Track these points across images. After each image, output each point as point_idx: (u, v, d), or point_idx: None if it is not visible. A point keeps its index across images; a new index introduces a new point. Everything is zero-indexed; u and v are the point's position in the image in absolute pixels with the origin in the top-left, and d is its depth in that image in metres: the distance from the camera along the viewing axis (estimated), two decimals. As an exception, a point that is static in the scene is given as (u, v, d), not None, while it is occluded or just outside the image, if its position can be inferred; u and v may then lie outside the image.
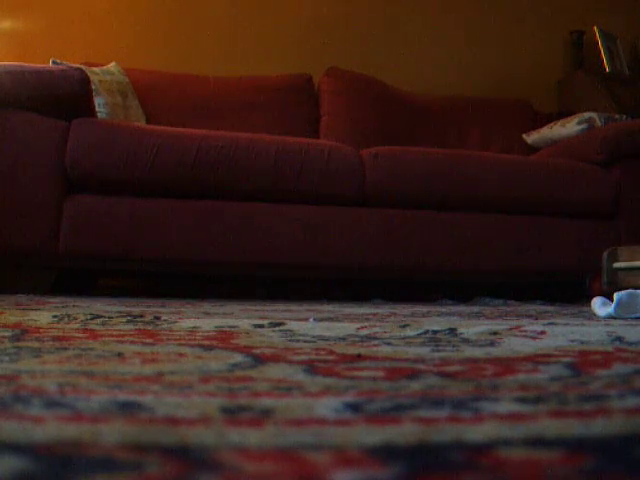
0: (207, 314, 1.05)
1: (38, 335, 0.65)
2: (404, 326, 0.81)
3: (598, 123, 2.50)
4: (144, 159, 1.89)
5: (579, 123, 2.55)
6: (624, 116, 2.61)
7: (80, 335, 0.67)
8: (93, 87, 2.13)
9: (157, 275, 2.39)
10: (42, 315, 0.90)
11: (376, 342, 0.64)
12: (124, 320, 0.86)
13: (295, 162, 1.99)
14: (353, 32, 3.18)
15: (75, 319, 0.86)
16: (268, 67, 2.94)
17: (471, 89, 3.18)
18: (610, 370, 0.46)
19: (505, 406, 0.33)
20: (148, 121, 2.48)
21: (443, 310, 1.35)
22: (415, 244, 2.05)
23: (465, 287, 2.31)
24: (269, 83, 2.80)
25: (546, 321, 0.98)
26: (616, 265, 1.86)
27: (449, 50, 3.28)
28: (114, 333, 0.70)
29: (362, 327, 0.79)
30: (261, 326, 0.81)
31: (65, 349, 0.54)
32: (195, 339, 0.65)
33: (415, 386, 0.39)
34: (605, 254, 1.91)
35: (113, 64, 2.56)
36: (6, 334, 0.66)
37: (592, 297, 2.02)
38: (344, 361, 0.50)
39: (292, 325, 0.82)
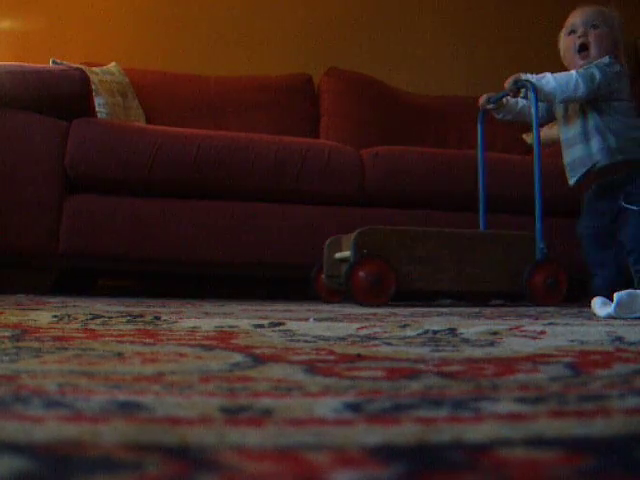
0: (207, 314, 1.05)
1: (38, 335, 0.65)
2: (404, 326, 0.81)
3: (598, 123, 2.50)
4: (144, 159, 1.89)
5: (579, 123, 2.54)
6: (624, 116, 2.61)
7: (80, 335, 0.67)
8: (93, 87, 2.13)
9: (157, 275, 2.39)
10: (42, 315, 0.90)
11: (376, 342, 0.64)
12: (124, 320, 0.86)
13: (295, 162, 1.99)
14: (353, 32, 3.18)
15: (75, 319, 0.86)
16: (268, 67, 2.94)
17: (471, 89, 3.17)
18: (610, 370, 0.46)
19: (505, 406, 0.33)
20: (148, 121, 2.48)
21: (443, 310, 1.35)
22: (415, 244, 2.05)
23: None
24: (269, 83, 2.80)
25: (546, 321, 0.98)
26: (338, 255, 1.69)
27: (449, 50, 3.28)
28: (114, 333, 0.70)
29: (362, 327, 0.79)
30: (261, 326, 0.81)
31: (65, 349, 0.54)
32: (195, 339, 0.65)
33: (415, 386, 0.39)
34: (326, 243, 1.74)
35: (113, 64, 2.56)
36: (6, 334, 0.66)
37: (316, 291, 1.83)
38: (344, 361, 0.50)
39: (292, 325, 0.82)
